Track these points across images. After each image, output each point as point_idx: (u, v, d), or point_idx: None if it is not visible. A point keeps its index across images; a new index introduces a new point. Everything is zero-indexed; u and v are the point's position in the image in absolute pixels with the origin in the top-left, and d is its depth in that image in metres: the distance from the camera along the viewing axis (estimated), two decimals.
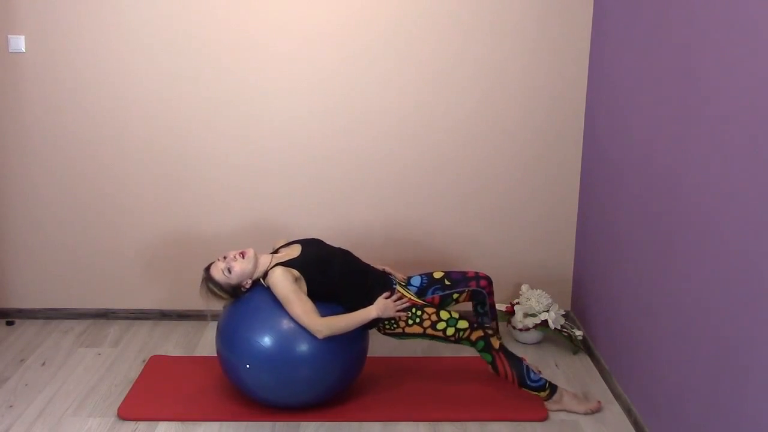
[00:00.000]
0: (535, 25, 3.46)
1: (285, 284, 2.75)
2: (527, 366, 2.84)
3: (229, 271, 2.83)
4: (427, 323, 2.86)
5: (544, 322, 3.44)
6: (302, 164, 3.62)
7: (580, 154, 3.61)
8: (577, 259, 3.70)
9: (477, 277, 3.12)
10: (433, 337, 2.88)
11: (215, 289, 2.87)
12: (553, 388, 2.87)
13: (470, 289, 3.04)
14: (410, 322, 2.87)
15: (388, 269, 3.13)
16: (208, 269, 2.91)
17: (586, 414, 2.87)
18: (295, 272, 2.81)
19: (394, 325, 2.89)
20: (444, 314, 2.87)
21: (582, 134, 3.59)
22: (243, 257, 2.85)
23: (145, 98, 3.53)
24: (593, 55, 3.45)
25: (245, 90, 3.53)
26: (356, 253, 3.13)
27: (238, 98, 3.54)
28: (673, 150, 2.48)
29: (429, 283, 3.06)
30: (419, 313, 2.88)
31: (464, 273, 3.13)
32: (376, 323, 2.90)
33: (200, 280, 2.93)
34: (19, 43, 3.45)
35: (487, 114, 3.57)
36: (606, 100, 3.25)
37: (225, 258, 2.87)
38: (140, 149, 3.59)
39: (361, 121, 3.57)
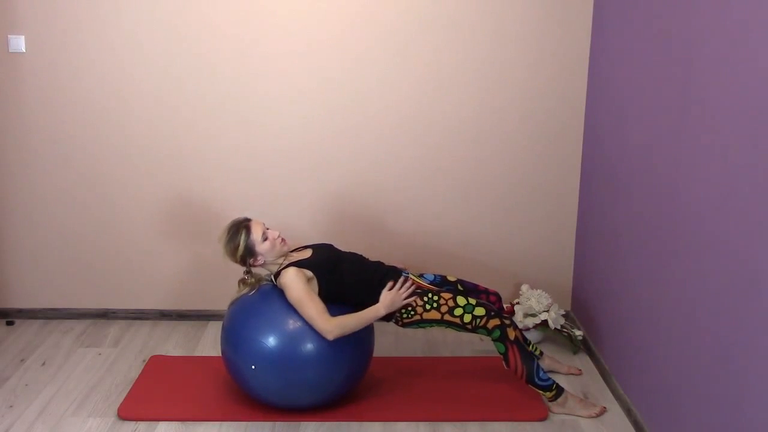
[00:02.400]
0: (536, 27, 3.46)
1: (299, 285, 2.75)
2: (538, 364, 2.84)
3: (265, 239, 2.85)
4: (444, 308, 2.86)
5: (544, 322, 3.44)
6: (303, 166, 3.62)
7: (580, 154, 3.61)
8: (577, 259, 3.70)
9: (487, 292, 3.14)
10: (450, 324, 2.88)
11: (242, 237, 2.83)
12: (559, 390, 2.86)
13: (481, 300, 3.03)
14: (428, 307, 2.87)
15: (400, 264, 3.15)
16: (249, 221, 2.89)
17: (589, 418, 2.87)
18: (308, 272, 2.82)
19: (412, 313, 2.88)
20: (461, 300, 2.88)
21: (582, 135, 3.59)
22: (284, 244, 2.91)
23: (144, 99, 3.53)
24: (593, 56, 3.45)
25: (246, 92, 3.53)
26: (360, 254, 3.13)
27: (239, 100, 3.54)
28: (672, 150, 2.49)
29: (442, 282, 3.06)
30: (436, 298, 2.88)
31: (476, 285, 3.14)
32: (392, 316, 2.90)
33: (231, 226, 2.89)
34: (19, 43, 3.45)
35: (488, 115, 3.57)
36: (606, 101, 3.25)
37: (269, 229, 2.90)
38: (140, 150, 3.59)
39: (362, 122, 3.57)
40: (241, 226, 2.87)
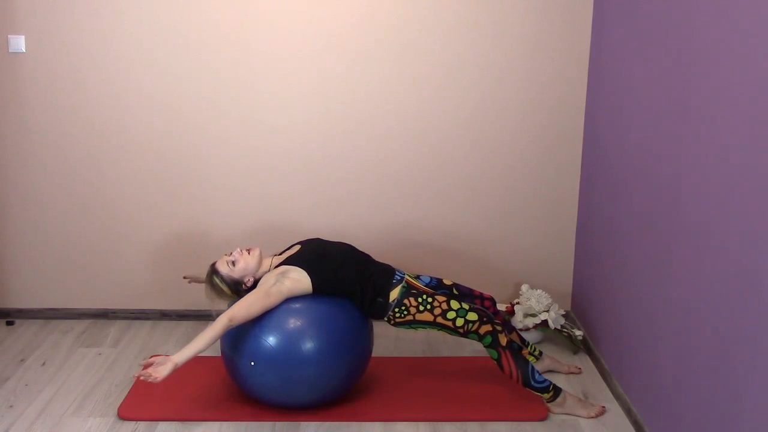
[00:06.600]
0: (536, 26, 3.46)
1: (265, 282, 2.80)
2: (533, 366, 2.84)
3: (233, 264, 2.88)
4: (437, 311, 2.87)
5: (544, 322, 3.44)
6: (304, 166, 3.62)
7: (580, 154, 3.61)
8: (577, 259, 3.70)
9: (482, 296, 3.14)
10: (442, 327, 2.88)
11: (218, 281, 2.90)
12: (557, 391, 2.86)
13: (475, 305, 3.03)
14: (421, 308, 2.88)
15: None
16: (213, 264, 2.96)
17: (589, 418, 2.87)
18: (282, 267, 2.85)
19: (405, 313, 2.89)
20: (455, 304, 2.88)
21: (582, 134, 3.59)
22: (249, 253, 2.92)
23: (145, 99, 3.53)
24: (593, 55, 3.45)
25: (246, 91, 3.53)
26: None
27: (239, 99, 3.54)
28: (672, 150, 2.49)
29: (438, 285, 3.06)
30: (430, 300, 2.89)
31: (471, 290, 3.15)
32: (385, 313, 2.90)
33: (206, 282, 2.97)
34: (19, 43, 3.45)
35: (488, 115, 3.57)
36: (606, 101, 3.25)
37: (231, 253, 2.93)
38: (140, 149, 3.59)
39: (363, 122, 3.57)
40: (210, 274, 2.94)
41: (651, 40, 2.70)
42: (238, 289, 2.91)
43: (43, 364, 3.32)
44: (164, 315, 3.80)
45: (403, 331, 3.62)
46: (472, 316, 2.86)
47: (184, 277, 3.27)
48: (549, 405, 2.89)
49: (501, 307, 3.57)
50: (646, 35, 2.75)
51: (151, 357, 2.62)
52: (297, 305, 2.80)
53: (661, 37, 2.61)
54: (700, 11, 2.29)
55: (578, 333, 3.45)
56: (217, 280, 2.90)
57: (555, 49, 3.49)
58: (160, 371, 2.56)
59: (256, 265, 2.91)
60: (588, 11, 3.44)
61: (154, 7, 3.43)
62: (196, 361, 3.30)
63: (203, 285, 2.99)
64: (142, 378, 2.56)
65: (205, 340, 2.63)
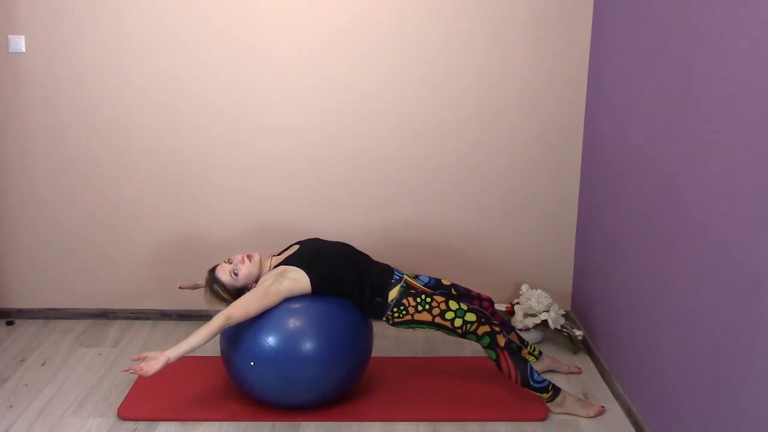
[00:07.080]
0: (536, 26, 3.46)
1: (264, 282, 2.80)
2: (531, 366, 2.84)
3: (236, 274, 2.86)
4: (436, 311, 2.87)
5: (544, 322, 3.44)
6: (303, 166, 3.62)
7: (580, 154, 3.61)
8: (577, 259, 3.70)
9: (480, 297, 3.14)
10: (440, 327, 2.88)
11: (220, 291, 2.89)
12: (556, 391, 2.86)
13: (473, 306, 3.03)
14: (419, 308, 2.88)
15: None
16: (213, 270, 2.93)
17: (588, 418, 2.87)
18: (281, 268, 2.85)
19: (404, 312, 2.88)
20: (453, 304, 2.88)
21: (582, 134, 3.59)
22: (250, 260, 2.89)
23: (145, 99, 3.53)
24: (593, 55, 3.45)
25: (246, 91, 3.53)
26: None
27: (238, 99, 3.54)
28: (672, 150, 2.49)
29: (437, 285, 3.06)
30: (429, 300, 2.89)
31: (468, 290, 3.15)
32: (383, 313, 2.90)
33: (204, 282, 2.95)
34: (19, 43, 3.46)
35: (488, 115, 3.57)
36: (606, 101, 3.25)
37: (230, 261, 2.89)
38: (140, 149, 3.59)
39: (362, 122, 3.57)
40: (210, 281, 2.91)
41: (651, 40, 2.70)
42: (239, 294, 2.89)
43: (43, 364, 3.32)
44: (164, 315, 3.80)
45: (402, 331, 3.62)
46: (471, 316, 2.86)
47: (180, 287, 3.24)
48: (548, 405, 2.89)
49: (500, 307, 3.57)
50: (646, 35, 2.75)
51: (144, 353, 2.62)
52: (296, 305, 2.80)
53: (661, 36, 2.61)
54: (700, 11, 2.29)
55: (578, 333, 3.45)
56: (217, 288, 2.90)
57: (555, 49, 3.49)
58: (152, 365, 2.56)
59: (257, 271, 2.90)
60: (588, 11, 3.44)
61: (154, 7, 3.43)
62: (196, 360, 3.31)
63: (203, 288, 2.99)
64: (131, 372, 2.55)
65: (200, 337, 2.62)
